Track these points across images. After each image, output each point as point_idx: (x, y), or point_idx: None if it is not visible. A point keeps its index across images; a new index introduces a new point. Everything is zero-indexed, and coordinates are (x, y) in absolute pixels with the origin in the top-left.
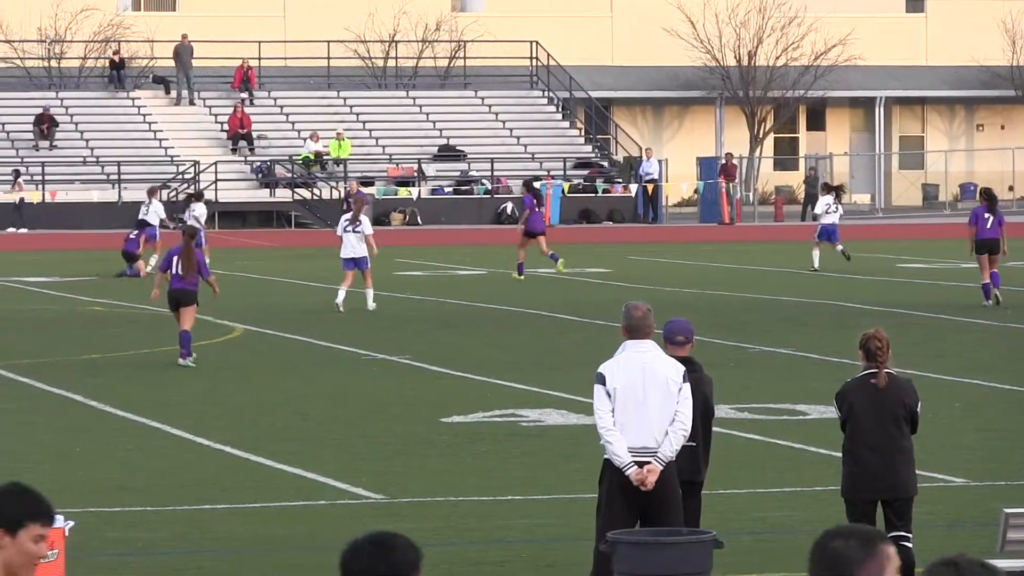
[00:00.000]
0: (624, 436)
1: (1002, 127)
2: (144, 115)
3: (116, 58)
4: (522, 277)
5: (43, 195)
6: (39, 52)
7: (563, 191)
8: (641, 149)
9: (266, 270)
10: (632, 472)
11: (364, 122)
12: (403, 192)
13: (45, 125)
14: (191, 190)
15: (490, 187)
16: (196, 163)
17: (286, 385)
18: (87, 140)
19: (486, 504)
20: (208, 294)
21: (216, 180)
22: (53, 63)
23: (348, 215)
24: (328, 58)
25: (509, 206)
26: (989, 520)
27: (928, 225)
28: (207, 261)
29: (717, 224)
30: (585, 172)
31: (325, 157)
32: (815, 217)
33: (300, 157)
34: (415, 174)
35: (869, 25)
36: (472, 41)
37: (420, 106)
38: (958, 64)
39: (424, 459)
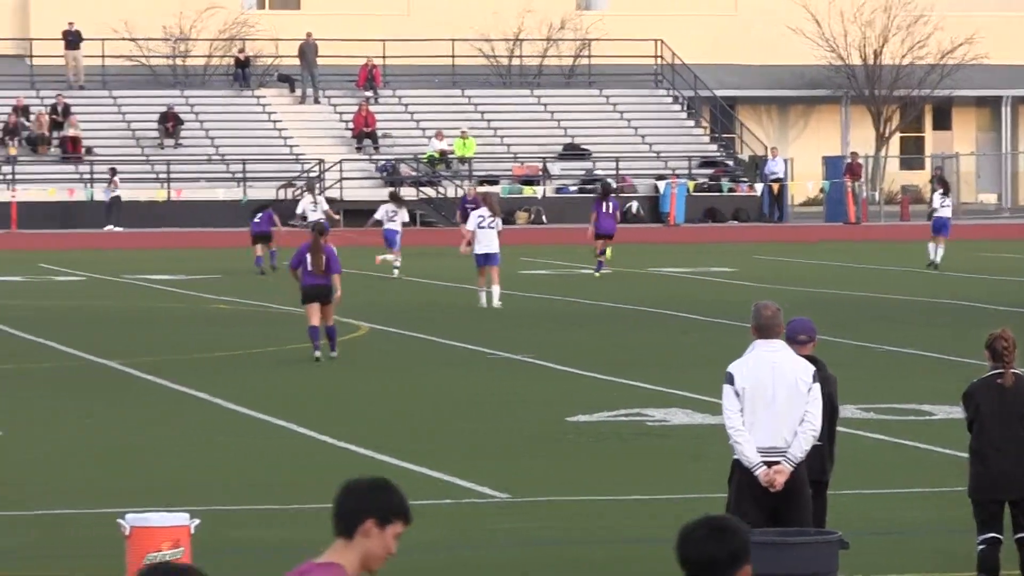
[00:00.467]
0: (753, 436)
1: None
2: (269, 113)
3: (241, 56)
4: (599, 273)
5: (168, 193)
6: (164, 50)
7: (688, 190)
8: (766, 148)
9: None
10: (761, 472)
11: (489, 120)
12: (528, 191)
13: (170, 123)
14: (307, 184)
15: (615, 186)
16: (321, 161)
17: (411, 383)
18: (212, 138)
19: (611, 503)
20: None
21: (341, 179)
22: (178, 61)
23: (481, 211)
24: (453, 56)
25: (634, 205)
26: None
27: None
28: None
29: (842, 223)
30: (710, 171)
31: (450, 156)
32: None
33: (425, 156)
34: (540, 173)
35: (995, 24)
36: (597, 39)
37: (545, 104)
38: None
39: (549, 458)
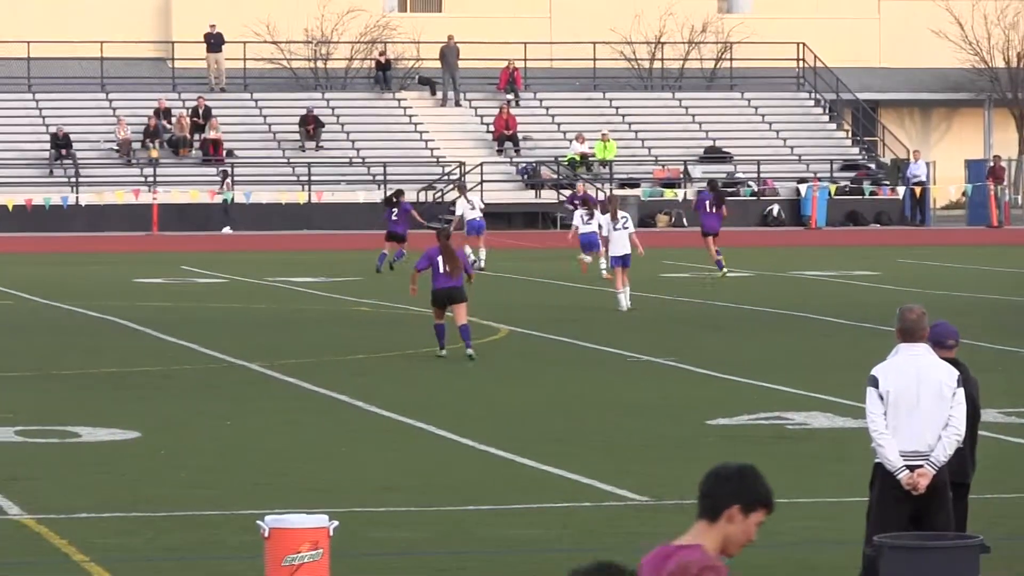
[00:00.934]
0: (896, 440)
1: None
2: (410, 116)
3: (382, 59)
4: (724, 271)
5: (309, 195)
6: (305, 53)
7: (830, 193)
8: (908, 151)
9: (531, 271)
10: (904, 476)
11: (630, 123)
12: (668, 193)
13: (311, 126)
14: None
15: (756, 189)
16: (462, 164)
17: (551, 386)
18: (353, 141)
19: None
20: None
21: (482, 181)
22: (319, 64)
23: (607, 215)
24: (594, 59)
25: (776, 208)
26: None
27: None
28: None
29: (985, 227)
30: (852, 174)
31: (591, 158)
32: None
33: (566, 158)
34: (680, 176)
35: None
36: (738, 42)
37: (686, 108)
38: None
39: (689, 461)
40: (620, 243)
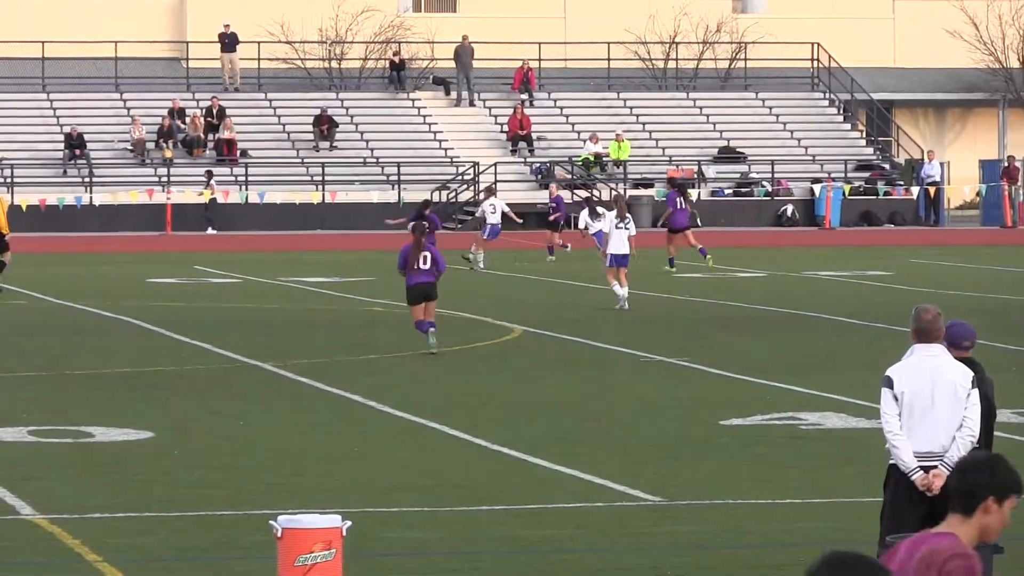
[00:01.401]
0: (910, 440)
1: None
2: (424, 116)
3: (396, 59)
4: (673, 269)
5: (323, 195)
6: (320, 53)
7: (844, 193)
8: (923, 151)
9: (545, 271)
10: (918, 477)
11: (644, 124)
12: None
13: (325, 126)
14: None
15: (770, 189)
16: (476, 164)
17: (564, 386)
18: (367, 141)
19: (764, 507)
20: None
21: (495, 181)
22: (334, 64)
23: (612, 213)
24: (608, 59)
25: (790, 208)
26: None
27: None
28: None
29: (999, 227)
30: (866, 174)
31: (605, 158)
32: None
33: (580, 158)
34: (695, 176)
35: None
36: (753, 43)
37: (700, 108)
38: None
39: (702, 461)
40: (620, 242)
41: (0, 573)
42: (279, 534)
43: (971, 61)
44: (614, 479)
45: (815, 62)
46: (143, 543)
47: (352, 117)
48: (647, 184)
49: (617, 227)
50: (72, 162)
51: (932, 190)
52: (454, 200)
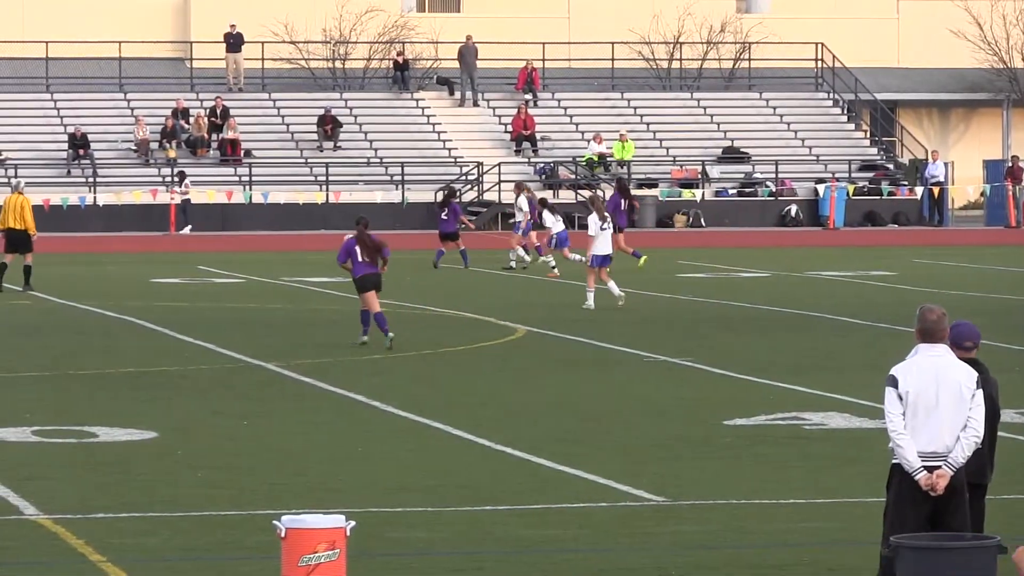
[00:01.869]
0: (914, 440)
1: None
2: (428, 116)
3: (400, 59)
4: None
5: (327, 196)
6: (324, 53)
7: (848, 194)
8: (927, 151)
9: (547, 271)
10: (921, 477)
11: (648, 124)
12: (687, 194)
13: (329, 126)
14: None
15: (774, 189)
16: (479, 164)
17: (567, 386)
18: (371, 141)
19: (767, 507)
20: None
21: (499, 181)
22: (337, 64)
23: (593, 215)
24: (612, 59)
25: (793, 208)
26: None
27: None
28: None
29: (1003, 227)
30: (870, 174)
31: (608, 159)
32: None
33: (583, 158)
34: (699, 176)
35: None
36: (757, 43)
37: (704, 108)
38: None
39: (705, 461)
40: (604, 243)
41: (4, 573)
42: (283, 534)
43: (975, 61)
44: (617, 479)
45: (819, 62)
46: (147, 543)
47: (356, 117)
48: (651, 184)
49: (603, 228)
50: (76, 162)
51: (936, 190)
52: (458, 200)
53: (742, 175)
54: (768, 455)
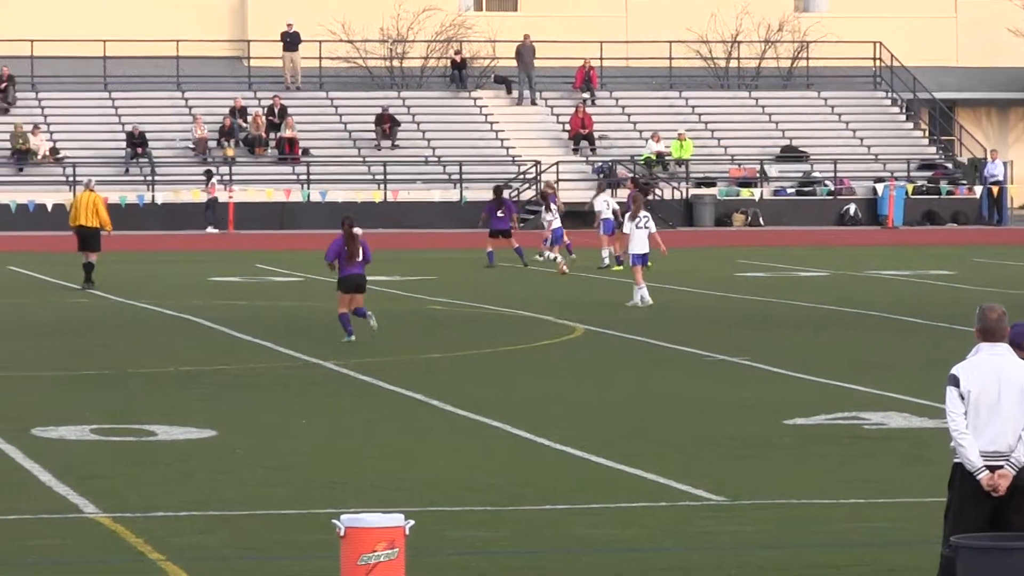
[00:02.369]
0: (976, 440)
1: None
2: (486, 115)
3: (458, 58)
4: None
5: (384, 194)
6: (381, 52)
7: (906, 193)
8: (986, 151)
9: (609, 270)
10: (984, 477)
11: (706, 123)
12: (745, 193)
13: (386, 125)
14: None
15: (833, 188)
16: (537, 163)
17: (627, 385)
18: (428, 140)
19: (827, 507)
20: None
21: (557, 180)
22: (395, 63)
23: (628, 213)
24: (670, 58)
25: (852, 207)
26: None
27: None
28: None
29: None
30: (929, 174)
31: (666, 157)
32: None
33: (642, 157)
34: (757, 175)
35: None
36: (815, 42)
37: (763, 107)
38: None
39: (765, 461)
40: (639, 241)
41: (64, 571)
42: (342, 533)
43: None
44: (676, 478)
45: (877, 61)
46: (206, 542)
47: (413, 116)
48: (709, 183)
49: (638, 227)
50: (134, 161)
51: (995, 189)
52: (516, 199)
53: (800, 174)
54: (828, 455)
